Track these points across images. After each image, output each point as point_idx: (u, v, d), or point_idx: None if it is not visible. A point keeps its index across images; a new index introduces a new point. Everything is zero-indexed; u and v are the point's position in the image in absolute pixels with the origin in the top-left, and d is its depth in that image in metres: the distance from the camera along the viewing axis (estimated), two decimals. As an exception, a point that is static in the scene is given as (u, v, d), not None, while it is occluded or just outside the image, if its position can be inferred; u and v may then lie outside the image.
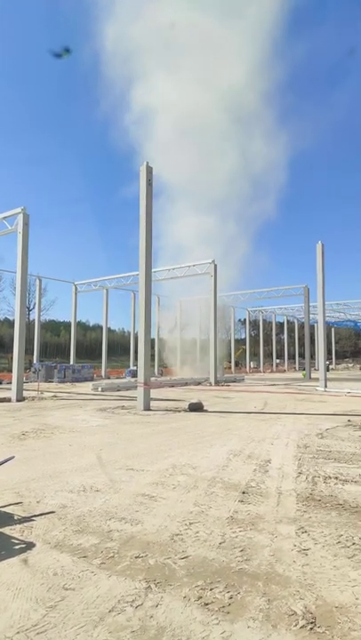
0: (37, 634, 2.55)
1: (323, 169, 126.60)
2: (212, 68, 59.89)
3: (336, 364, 65.08)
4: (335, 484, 5.60)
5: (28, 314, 56.43)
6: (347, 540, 3.85)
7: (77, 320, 38.46)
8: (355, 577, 3.21)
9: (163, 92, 58.55)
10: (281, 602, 2.88)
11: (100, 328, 43.80)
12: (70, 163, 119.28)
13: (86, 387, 23.40)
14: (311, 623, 2.65)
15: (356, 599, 2.91)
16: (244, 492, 5.23)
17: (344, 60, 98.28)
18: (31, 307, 55.84)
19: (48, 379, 28.32)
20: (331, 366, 52.44)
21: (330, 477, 5.87)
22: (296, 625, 2.63)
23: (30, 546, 3.76)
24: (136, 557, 3.53)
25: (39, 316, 37.74)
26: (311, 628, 2.60)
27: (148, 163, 14.73)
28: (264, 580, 3.17)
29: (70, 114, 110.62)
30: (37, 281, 37.63)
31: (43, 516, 4.46)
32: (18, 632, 2.57)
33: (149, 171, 14.76)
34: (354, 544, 3.78)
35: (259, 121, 66.36)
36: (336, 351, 68.20)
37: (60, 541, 3.86)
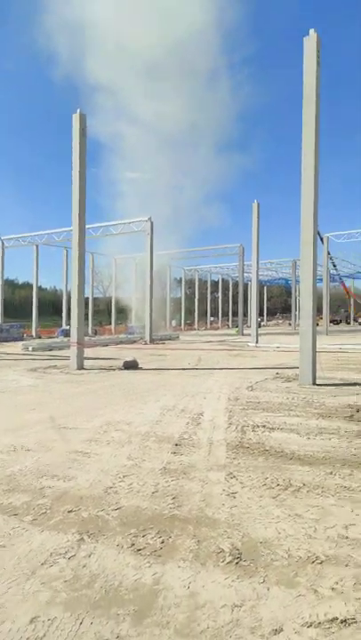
0: (-35, 593, 2.50)
1: (265, 132, 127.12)
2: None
3: (268, 320, 67.99)
4: (263, 432, 5.93)
5: None
6: (272, 482, 4.12)
7: (5, 278, 36.47)
8: (278, 514, 3.46)
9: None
10: (210, 542, 3.04)
11: (30, 286, 41.93)
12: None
13: (16, 347, 22.57)
14: (237, 558, 2.83)
15: (279, 534, 3.15)
16: (176, 445, 5.38)
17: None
18: None
19: (-26, 339, 26.92)
20: (262, 323, 54.74)
21: (258, 426, 6.21)
22: (223, 561, 2.80)
23: None
24: (69, 512, 3.54)
25: None
26: (237, 563, 2.78)
27: (80, 110, 13.79)
28: (194, 523, 3.32)
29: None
30: None
31: (-30, 478, 4.31)
32: None
33: (83, 119, 13.83)
34: (278, 485, 4.06)
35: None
36: (268, 308, 70.99)
37: (-10, 501, 3.76)
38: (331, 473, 4.36)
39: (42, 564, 2.79)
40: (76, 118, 13.83)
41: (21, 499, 3.82)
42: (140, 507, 3.62)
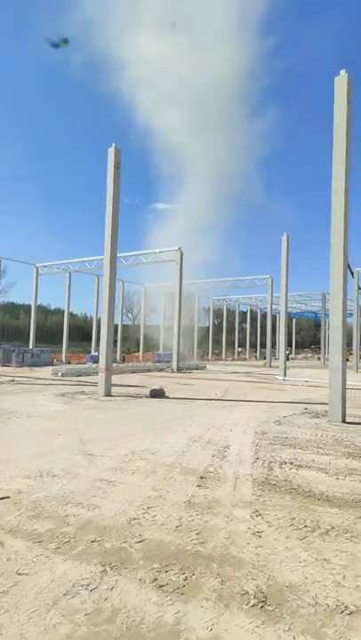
0: (-12, 619, 2.51)
1: (290, 165, 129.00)
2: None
3: (296, 353, 66.97)
4: (290, 469, 5.78)
5: (-13, 295, 54.32)
6: (299, 523, 3.99)
7: (38, 303, 37.56)
8: (305, 557, 3.33)
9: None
10: (234, 582, 2.96)
11: (62, 312, 42.94)
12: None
13: (45, 371, 22.97)
14: (262, 602, 2.73)
15: (306, 578, 3.03)
16: (202, 477, 5.31)
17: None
18: (-10, 288, 53.88)
19: (5, 363, 27.59)
20: (291, 356, 53.87)
21: (285, 463, 6.06)
22: (248, 604, 2.71)
23: (-17, 531, 3.67)
24: (92, 541, 3.52)
25: (-2, 297, 36.53)
26: (262, 607, 2.68)
27: (116, 145, 14.41)
28: (218, 561, 3.24)
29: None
30: (-3, 261, 36.33)
31: (-3, 502, 4.36)
32: (-32, 618, 2.51)
33: (117, 153, 14.44)
34: (306, 526, 3.92)
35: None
36: (296, 341, 70.10)
37: (15, 527, 3.79)
38: (361, 516, 4.19)
39: (63, 595, 2.77)
40: (111, 152, 14.43)
41: (46, 525, 3.83)
42: (164, 540, 3.57)
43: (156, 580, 2.97)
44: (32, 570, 3.07)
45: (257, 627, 2.50)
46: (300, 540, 3.66)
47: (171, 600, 2.74)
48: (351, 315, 35.23)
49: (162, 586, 2.90)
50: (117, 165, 14.45)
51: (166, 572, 3.08)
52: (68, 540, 3.56)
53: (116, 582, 2.93)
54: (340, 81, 10.34)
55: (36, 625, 2.47)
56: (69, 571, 3.07)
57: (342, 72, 10.32)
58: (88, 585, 2.89)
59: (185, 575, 3.03)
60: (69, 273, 36.06)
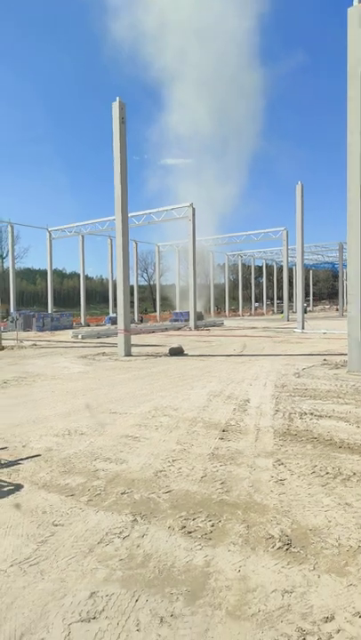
0: (30, 565, 2.69)
1: (305, 110, 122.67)
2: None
3: (314, 305, 66.37)
4: (310, 419, 5.86)
5: (2, 262, 54.84)
6: (320, 470, 4.09)
7: (53, 268, 37.64)
8: (327, 502, 3.44)
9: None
10: (259, 527, 3.08)
11: (78, 276, 43.14)
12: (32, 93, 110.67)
13: (66, 335, 23.37)
14: (287, 545, 2.85)
15: (329, 522, 3.14)
16: (224, 430, 5.44)
17: None
18: (4, 254, 54.31)
19: (26, 328, 28.10)
20: (308, 308, 53.45)
21: (305, 413, 6.14)
22: (273, 547, 2.83)
23: (19, 487, 3.87)
24: (122, 494, 3.69)
25: (13, 264, 36.66)
26: (287, 549, 2.80)
27: (120, 98, 13.85)
28: (243, 508, 3.37)
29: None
30: (9, 227, 36.27)
31: (29, 460, 4.57)
32: (11, 565, 2.69)
33: (122, 107, 13.91)
34: (327, 473, 4.02)
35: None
36: (314, 293, 69.22)
37: (48, 482, 3.98)
38: (383, 462, 4.26)
39: (98, 543, 2.93)
40: (115, 107, 13.91)
41: (77, 480, 4.01)
42: (190, 490, 3.71)
43: (184, 527, 3.11)
44: (67, 521, 3.25)
45: (283, 567, 2.62)
46: (323, 486, 3.76)
47: (199, 545, 2.88)
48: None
49: (190, 532, 3.04)
50: (123, 120, 13.95)
51: (194, 519, 3.22)
52: (98, 492, 3.73)
53: (146, 530, 3.09)
54: (354, 11, 9.58)
55: (75, 570, 2.64)
56: (102, 521, 3.24)
57: (356, 2, 9.54)
58: (120, 533, 3.05)
59: (212, 522, 3.17)
60: (82, 236, 35.84)
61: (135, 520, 3.23)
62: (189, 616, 2.22)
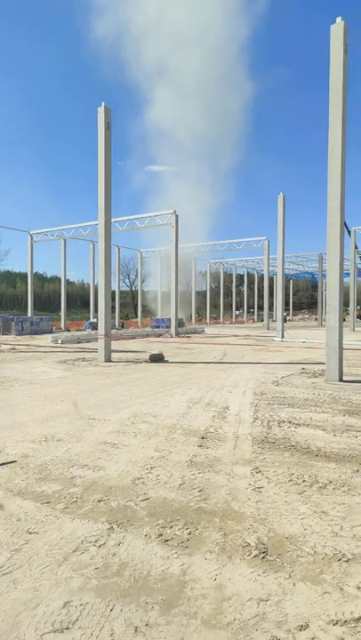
0: (3, 575, 2.63)
1: (288, 124, 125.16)
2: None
3: (293, 314, 67.25)
4: (288, 427, 5.92)
5: (-18, 264, 53.82)
6: (298, 478, 4.13)
7: (34, 271, 37.21)
8: (304, 510, 3.47)
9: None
10: (236, 535, 3.09)
11: (59, 280, 42.68)
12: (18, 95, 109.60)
13: (45, 339, 23.07)
14: (263, 553, 2.86)
15: (305, 530, 3.16)
16: (203, 438, 5.44)
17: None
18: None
19: (5, 331, 27.67)
20: (288, 317, 54.14)
21: (284, 422, 6.20)
22: (250, 555, 2.84)
23: (-8, 494, 3.79)
24: (99, 501, 3.65)
25: (-7, 266, 36.13)
26: (263, 557, 2.81)
27: (105, 104, 13.86)
28: (220, 516, 3.37)
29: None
30: (-10, 229, 35.77)
31: (4, 466, 4.48)
32: (-18, 575, 2.63)
33: (107, 113, 13.91)
34: (304, 481, 4.06)
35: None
36: (294, 303, 70.15)
37: (23, 489, 3.91)
38: (357, 471, 4.32)
39: (73, 551, 2.89)
40: (101, 112, 13.91)
41: (53, 487, 3.95)
42: (168, 498, 3.70)
43: (161, 535, 3.09)
44: (42, 529, 3.19)
45: (259, 575, 2.62)
46: (299, 494, 3.79)
47: (176, 553, 2.86)
48: (348, 274, 35.14)
49: (167, 540, 3.02)
50: (108, 126, 13.95)
51: (171, 527, 3.20)
52: (75, 500, 3.68)
53: (122, 538, 3.06)
54: (337, 29, 9.86)
55: (49, 579, 2.59)
56: (78, 529, 3.19)
57: (338, 19, 9.83)
58: (96, 541, 3.01)
59: (189, 530, 3.16)
60: (64, 240, 35.56)
61: (111, 528, 3.20)
62: (164, 625, 2.21)
